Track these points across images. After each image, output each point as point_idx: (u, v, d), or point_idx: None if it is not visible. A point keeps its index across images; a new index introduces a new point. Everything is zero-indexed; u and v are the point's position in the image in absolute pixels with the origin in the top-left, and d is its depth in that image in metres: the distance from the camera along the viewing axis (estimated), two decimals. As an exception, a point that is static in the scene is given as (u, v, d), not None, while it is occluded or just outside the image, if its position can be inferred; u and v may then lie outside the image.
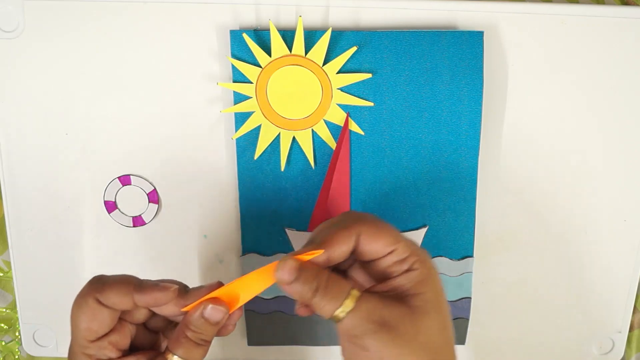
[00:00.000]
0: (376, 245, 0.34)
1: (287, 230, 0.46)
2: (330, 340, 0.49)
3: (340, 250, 0.34)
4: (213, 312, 0.35)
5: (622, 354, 0.51)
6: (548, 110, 0.45)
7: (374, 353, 0.32)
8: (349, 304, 0.33)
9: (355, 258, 0.36)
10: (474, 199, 0.45)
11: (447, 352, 0.34)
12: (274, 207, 0.45)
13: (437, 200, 0.45)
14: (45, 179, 0.46)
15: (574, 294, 0.50)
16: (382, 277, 0.35)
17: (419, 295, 0.34)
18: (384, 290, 0.34)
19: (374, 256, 0.34)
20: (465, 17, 0.43)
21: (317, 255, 0.33)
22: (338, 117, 0.43)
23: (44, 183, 0.46)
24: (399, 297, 0.34)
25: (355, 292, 0.33)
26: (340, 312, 0.33)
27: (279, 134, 0.44)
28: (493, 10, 0.43)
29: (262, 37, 0.42)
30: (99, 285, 0.35)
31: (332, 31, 0.41)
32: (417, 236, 0.46)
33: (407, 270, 0.34)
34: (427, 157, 0.44)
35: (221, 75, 0.44)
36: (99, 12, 0.43)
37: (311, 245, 0.34)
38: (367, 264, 0.35)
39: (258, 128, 0.43)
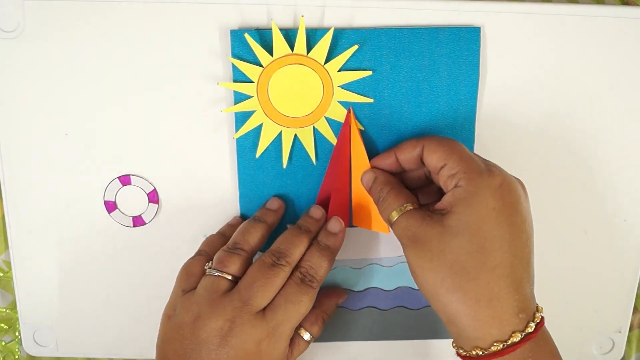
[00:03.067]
0: (431, 158, 0.36)
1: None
2: (330, 338, 0.49)
3: (405, 155, 0.38)
4: (336, 223, 0.42)
5: (622, 354, 0.51)
6: (548, 110, 0.45)
7: (409, 263, 0.36)
8: (394, 216, 0.36)
9: (428, 177, 0.40)
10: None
11: (480, 275, 0.33)
12: (275, 206, 0.45)
13: None
14: (45, 179, 0.46)
15: (573, 294, 0.50)
16: (442, 193, 0.36)
17: (454, 214, 0.34)
18: (435, 208, 0.36)
19: (433, 170, 0.37)
20: (465, 17, 0.43)
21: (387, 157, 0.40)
22: (339, 114, 0.43)
23: (44, 183, 0.46)
24: (440, 216, 0.35)
25: (407, 207, 0.36)
26: (390, 220, 0.37)
27: (281, 132, 0.44)
28: (493, 10, 0.43)
29: (263, 37, 0.42)
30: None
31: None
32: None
33: (454, 187, 0.35)
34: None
35: (223, 75, 0.44)
36: (99, 12, 0.43)
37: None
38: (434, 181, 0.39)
39: (259, 127, 0.43)
